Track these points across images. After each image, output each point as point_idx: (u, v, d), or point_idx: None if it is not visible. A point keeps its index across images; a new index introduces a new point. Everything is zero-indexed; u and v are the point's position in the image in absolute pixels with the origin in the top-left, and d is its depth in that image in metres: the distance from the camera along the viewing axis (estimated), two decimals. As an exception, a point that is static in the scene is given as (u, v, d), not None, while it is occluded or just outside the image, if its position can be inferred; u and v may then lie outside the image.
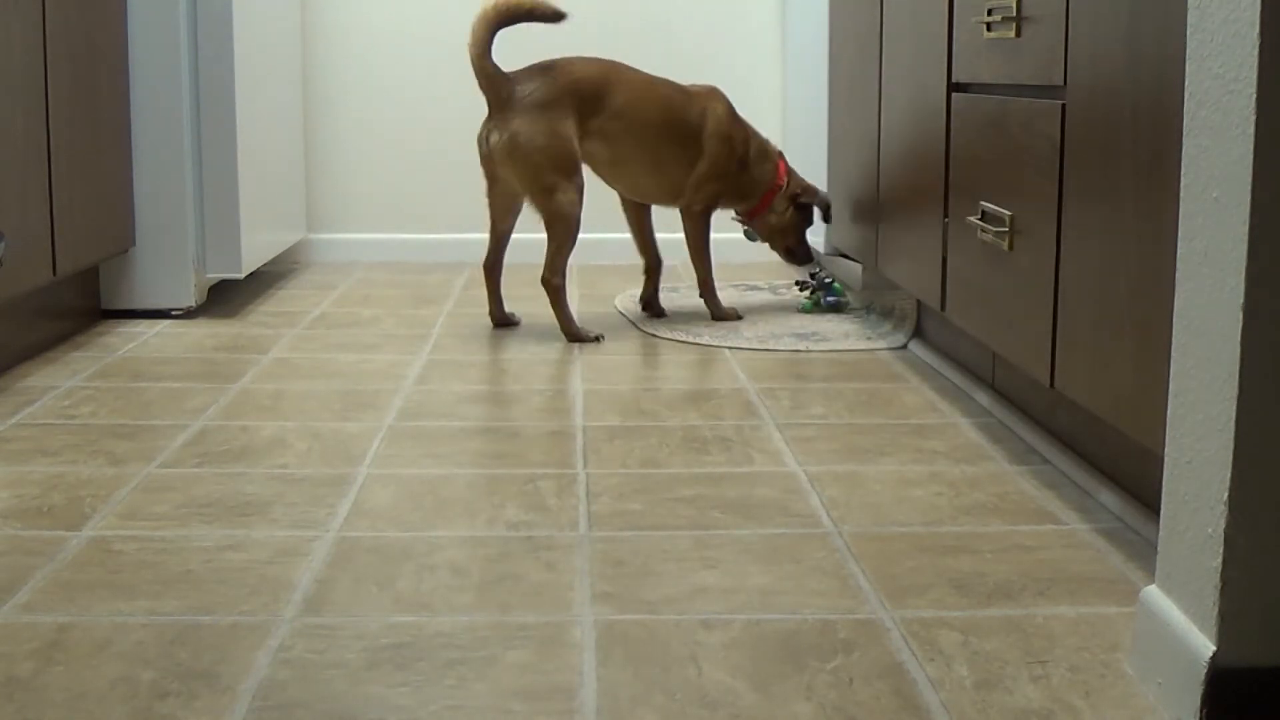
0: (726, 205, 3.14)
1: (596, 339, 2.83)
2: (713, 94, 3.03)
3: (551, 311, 2.85)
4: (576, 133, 2.83)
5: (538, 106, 2.78)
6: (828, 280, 3.19)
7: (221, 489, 1.83)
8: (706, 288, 3.07)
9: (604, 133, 2.88)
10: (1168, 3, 1.45)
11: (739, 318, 3.05)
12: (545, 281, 2.83)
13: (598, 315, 3.12)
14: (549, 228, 2.82)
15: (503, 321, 3.00)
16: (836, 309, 3.16)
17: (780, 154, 3.13)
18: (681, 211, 3.05)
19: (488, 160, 2.83)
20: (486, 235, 2.97)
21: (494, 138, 2.79)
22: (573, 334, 2.83)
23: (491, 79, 2.77)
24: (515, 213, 2.93)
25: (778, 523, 1.71)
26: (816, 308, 3.15)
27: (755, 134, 3.09)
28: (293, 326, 2.98)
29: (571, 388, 2.42)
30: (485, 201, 2.92)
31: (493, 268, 2.97)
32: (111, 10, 2.85)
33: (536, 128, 2.76)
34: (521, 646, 1.34)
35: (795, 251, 3.18)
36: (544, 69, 2.84)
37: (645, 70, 3.02)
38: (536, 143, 2.76)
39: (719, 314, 3.05)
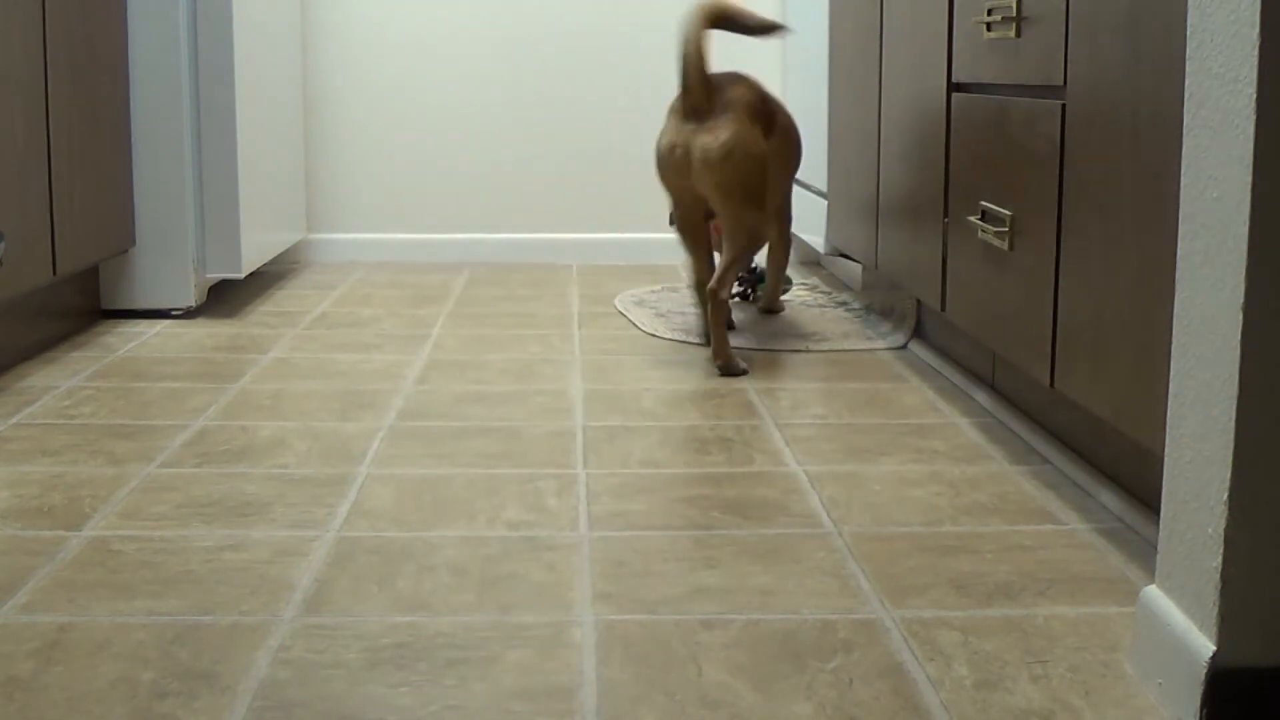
0: None
1: (744, 371, 2.52)
2: None
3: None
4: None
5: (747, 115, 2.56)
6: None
7: (221, 489, 1.83)
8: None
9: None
10: (1168, 3, 1.45)
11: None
12: (712, 292, 2.53)
13: (599, 314, 3.12)
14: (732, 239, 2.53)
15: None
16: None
17: None
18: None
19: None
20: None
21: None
22: (724, 363, 2.50)
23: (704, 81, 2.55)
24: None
25: (778, 523, 1.71)
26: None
27: None
28: (293, 326, 2.98)
29: (571, 388, 2.42)
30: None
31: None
32: (112, 10, 2.85)
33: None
34: (521, 646, 1.34)
35: None
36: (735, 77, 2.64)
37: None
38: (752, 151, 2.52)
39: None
